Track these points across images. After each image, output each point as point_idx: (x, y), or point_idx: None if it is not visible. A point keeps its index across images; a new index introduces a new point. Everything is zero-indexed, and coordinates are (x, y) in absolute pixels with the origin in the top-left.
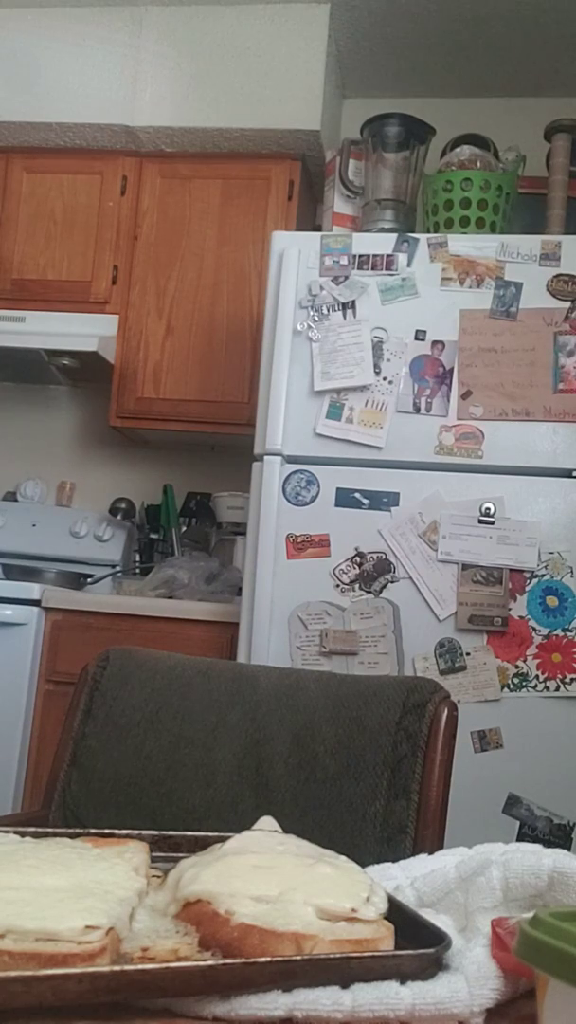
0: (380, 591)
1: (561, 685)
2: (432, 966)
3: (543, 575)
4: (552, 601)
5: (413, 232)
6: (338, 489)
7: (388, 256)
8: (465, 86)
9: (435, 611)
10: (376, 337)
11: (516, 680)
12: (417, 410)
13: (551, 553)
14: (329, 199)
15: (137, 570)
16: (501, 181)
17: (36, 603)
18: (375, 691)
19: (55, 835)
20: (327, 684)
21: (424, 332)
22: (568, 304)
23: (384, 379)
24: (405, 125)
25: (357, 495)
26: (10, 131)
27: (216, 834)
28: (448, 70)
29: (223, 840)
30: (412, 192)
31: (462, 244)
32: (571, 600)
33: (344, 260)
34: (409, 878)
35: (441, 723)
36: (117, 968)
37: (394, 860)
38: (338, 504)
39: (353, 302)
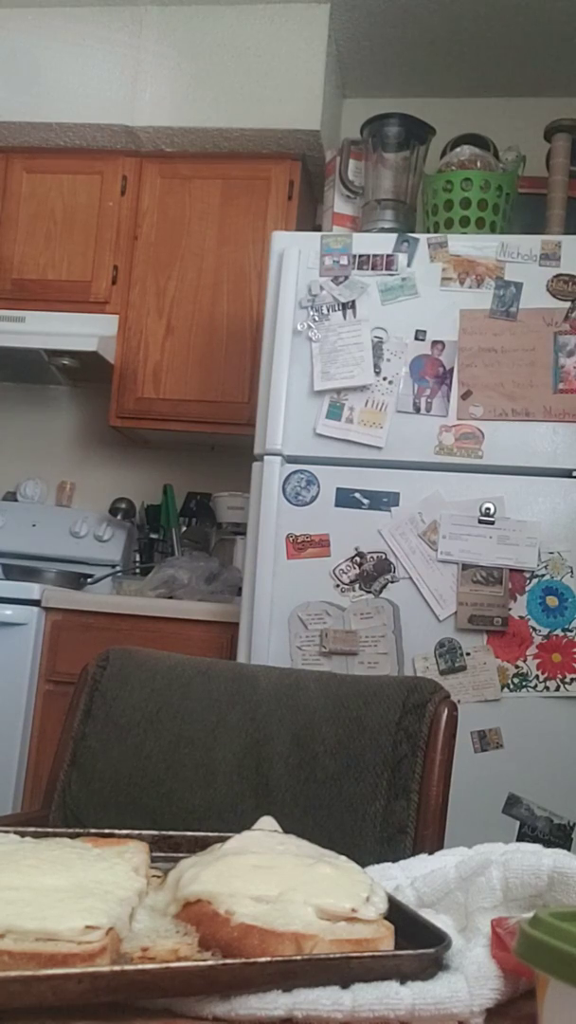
0: (380, 591)
1: (561, 685)
2: (432, 966)
3: (543, 575)
4: (552, 601)
5: (413, 232)
6: (338, 489)
7: (388, 256)
8: (465, 86)
9: (435, 611)
10: (376, 337)
11: (516, 680)
12: (417, 410)
13: (551, 553)
14: (329, 199)
15: (137, 570)
16: (501, 181)
17: (36, 603)
18: (375, 691)
19: (55, 835)
20: (327, 684)
21: (424, 332)
22: (568, 304)
23: (384, 379)
24: (405, 125)
25: (357, 495)
26: (10, 131)
27: (216, 834)
28: (448, 70)
29: (223, 840)
30: (412, 192)
31: (462, 244)
32: (571, 600)
33: (344, 260)
34: (409, 878)
35: (441, 723)
36: (117, 968)
37: (394, 860)
38: (338, 504)
39: (353, 302)
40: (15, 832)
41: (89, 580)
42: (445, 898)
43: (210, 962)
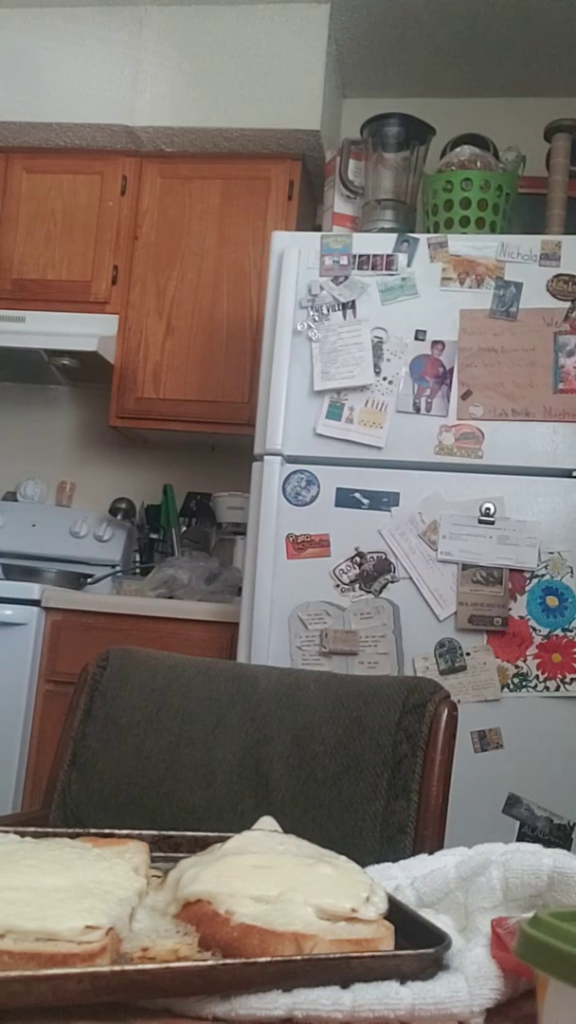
0: (380, 591)
1: (561, 685)
2: (432, 966)
3: (543, 575)
4: (552, 601)
5: (413, 232)
6: (338, 489)
7: (388, 256)
8: (465, 86)
9: (435, 611)
10: (376, 337)
11: (516, 680)
12: (417, 410)
13: (551, 553)
14: (329, 199)
15: (137, 570)
16: (501, 181)
17: (36, 603)
18: (375, 691)
19: (55, 835)
20: (327, 684)
21: (424, 332)
22: (568, 304)
23: (384, 379)
24: (405, 125)
25: (357, 495)
26: (10, 131)
27: (216, 834)
28: (448, 70)
29: (223, 840)
30: (412, 192)
31: (462, 244)
32: (571, 600)
33: (344, 260)
34: (409, 878)
35: (441, 723)
36: (117, 968)
37: (394, 860)
38: (338, 504)
39: (353, 302)
40: (15, 832)
41: (89, 580)
42: (445, 898)
43: (210, 962)
